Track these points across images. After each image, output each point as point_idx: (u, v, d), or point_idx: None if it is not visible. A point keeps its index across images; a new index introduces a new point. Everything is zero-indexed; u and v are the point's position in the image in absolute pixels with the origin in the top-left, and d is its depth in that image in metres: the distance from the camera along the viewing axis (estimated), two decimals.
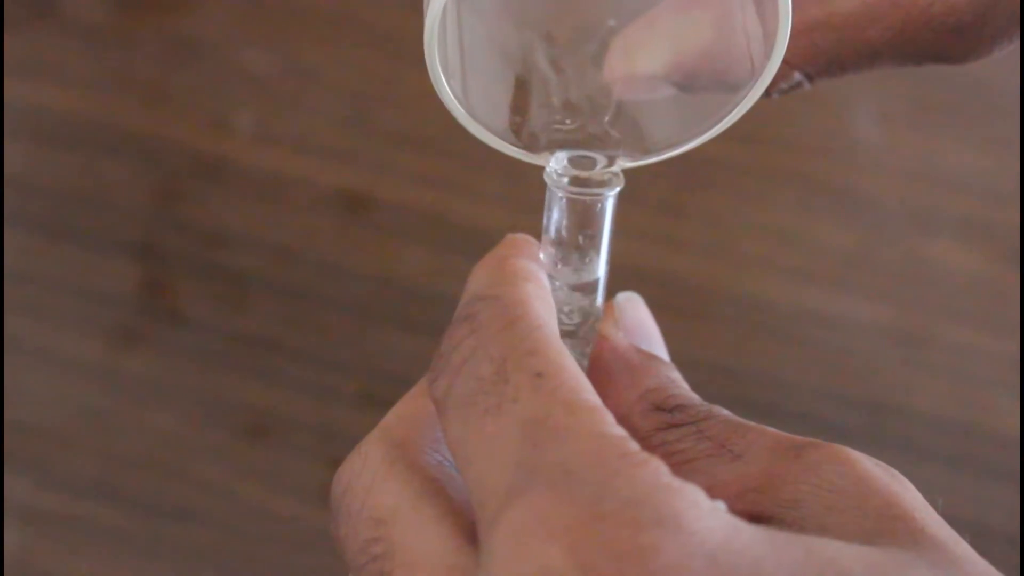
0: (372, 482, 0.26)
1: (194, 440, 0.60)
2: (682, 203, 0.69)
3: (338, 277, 0.67)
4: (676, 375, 0.29)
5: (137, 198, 0.72)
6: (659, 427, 0.27)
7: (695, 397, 0.28)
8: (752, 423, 0.27)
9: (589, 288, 0.30)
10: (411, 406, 0.28)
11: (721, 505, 0.21)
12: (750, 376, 0.63)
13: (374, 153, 0.75)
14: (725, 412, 0.27)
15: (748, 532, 0.21)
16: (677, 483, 0.21)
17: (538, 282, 0.26)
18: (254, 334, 0.64)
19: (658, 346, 0.30)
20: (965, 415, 0.61)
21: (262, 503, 0.58)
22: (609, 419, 0.23)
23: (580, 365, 0.29)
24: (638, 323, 0.30)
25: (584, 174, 0.29)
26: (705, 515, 0.21)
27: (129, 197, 0.72)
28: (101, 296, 0.66)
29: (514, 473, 0.22)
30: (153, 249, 0.69)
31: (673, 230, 0.70)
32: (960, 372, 0.63)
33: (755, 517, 0.25)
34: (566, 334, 0.29)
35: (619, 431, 0.22)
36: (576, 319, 0.29)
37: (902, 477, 0.25)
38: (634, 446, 0.22)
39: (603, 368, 0.29)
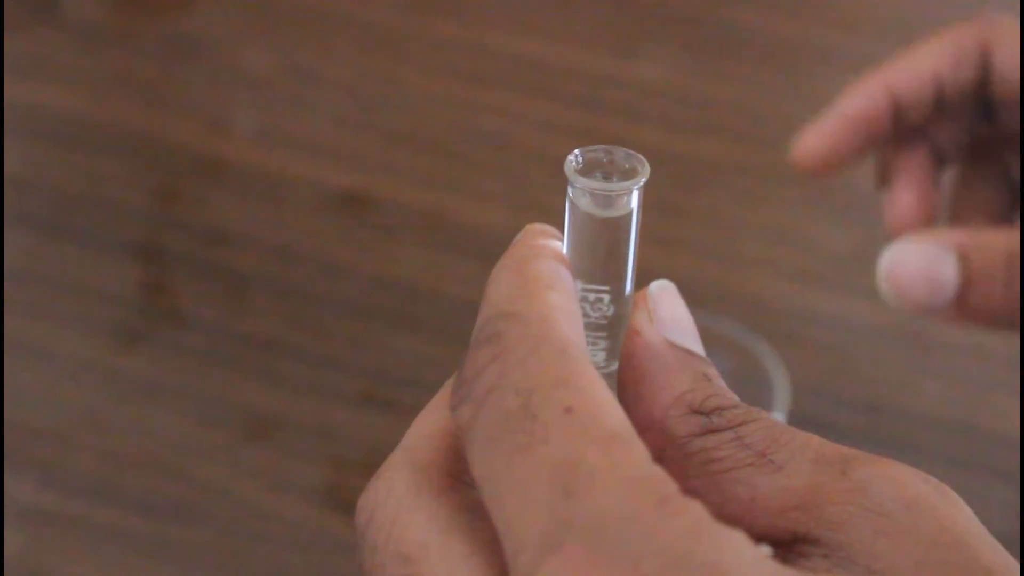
0: (397, 514, 0.25)
1: (194, 440, 0.60)
2: (682, 203, 0.69)
3: (338, 277, 0.67)
4: (713, 371, 0.27)
5: (137, 198, 0.72)
6: (697, 432, 0.26)
7: (734, 397, 0.27)
8: (794, 429, 0.26)
9: (619, 272, 0.28)
10: (434, 423, 0.26)
11: (765, 550, 0.21)
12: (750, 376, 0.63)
13: (374, 153, 0.75)
14: (765, 416, 0.26)
15: None
16: (718, 532, 0.20)
17: (562, 288, 0.25)
18: (254, 334, 0.64)
19: (693, 340, 0.28)
20: (965, 415, 0.61)
21: (262, 503, 0.58)
22: (644, 457, 0.22)
23: (609, 362, 0.28)
24: (673, 315, 0.28)
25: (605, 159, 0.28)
26: (749, 569, 0.20)
27: (129, 197, 0.72)
28: (101, 296, 0.66)
29: (547, 523, 0.21)
30: (153, 249, 0.69)
31: (673, 230, 0.70)
32: (960, 372, 0.63)
33: (799, 537, 0.24)
34: (594, 327, 0.28)
35: (655, 471, 0.22)
36: (603, 311, 0.28)
37: (953, 495, 0.24)
38: (671, 488, 0.21)
39: (635, 366, 0.27)
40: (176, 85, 0.79)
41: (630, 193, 0.27)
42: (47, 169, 0.74)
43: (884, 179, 0.51)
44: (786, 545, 0.24)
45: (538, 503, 0.21)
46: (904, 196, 0.48)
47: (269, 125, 0.77)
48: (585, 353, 0.24)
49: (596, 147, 0.28)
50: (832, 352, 0.63)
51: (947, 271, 0.39)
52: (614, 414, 0.22)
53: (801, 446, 0.25)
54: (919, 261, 0.38)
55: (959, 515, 0.23)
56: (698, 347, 0.28)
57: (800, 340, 0.64)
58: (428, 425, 0.26)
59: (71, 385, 0.62)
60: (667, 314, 0.28)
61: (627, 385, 0.27)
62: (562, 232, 0.28)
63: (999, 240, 0.39)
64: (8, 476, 0.58)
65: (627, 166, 0.27)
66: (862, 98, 0.49)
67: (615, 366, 0.28)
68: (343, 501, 0.57)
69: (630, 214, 0.27)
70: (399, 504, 0.25)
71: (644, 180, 0.27)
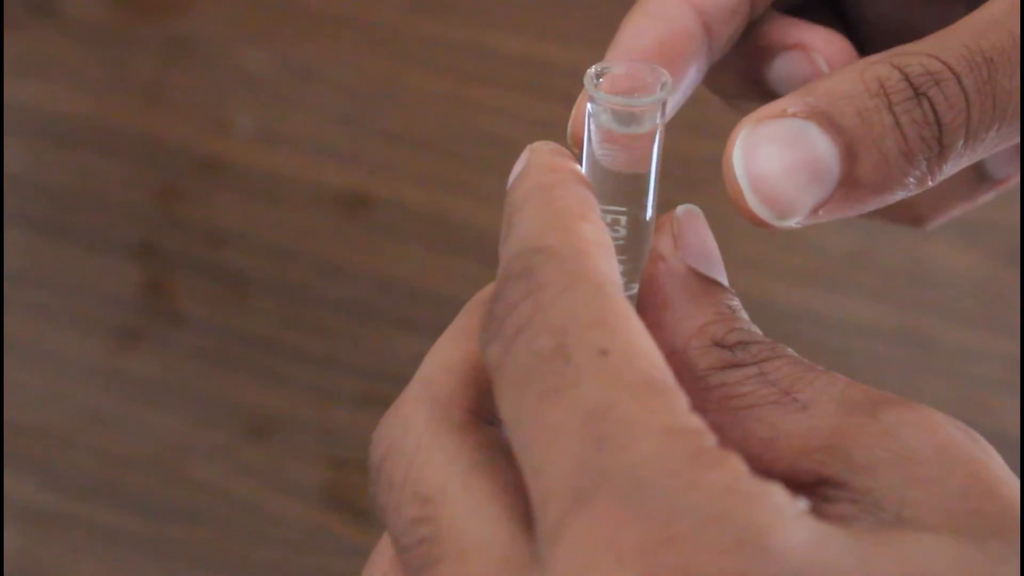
0: (416, 451, 0.23)
1: (194, 440, 0.60)
2: (682, 202, 0.69)
3: (338, 277, 0.67)
4: (737, 304, 0.26)
5: (137, 198, 0.72)
6: (718, 366, 0.25)
7: (758, 332, 0.26)
8: (819, 368, 0.25)
9: (639, 193, 0.26)
10: (452, 354, 0.25)
11: (803, 505, 0.20)
12: None
13: (374, 153, 0.75)
14: (790, 352, 0.25)
15: (834, 542, 0.19)
16: (756, 487, 0.19)
17: (595, 219, 0.24)
18: (254, 334, 0.64)
19: (719, 270, 0.27)
20: (965, 415, 0.61)
21: (262, 503, 0.58)
22: (681, 406, 0.21)
23: (628, 288, 0.27)
24: (699, 242, 0.27)
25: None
26: (789, 527, 0.19)
27: (129, 197, 0.72)
28: (101, 296, 0.66)
29: (578, 474, 0.20)
30: (153, 249, 0.69)
31: None
32: (960, 372, 0.63)
33: (823, 480, 0.23)
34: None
35: (692, 422, 0.20)
36: (619, 233, 0.26)
37: (985, 442, 0.23)
38: (708, 441, 0.20)
39: (657, 292, 0.26)
40: (176, 85, 0.79)
41: (655, 109, 0.26)
42: (47, 169, 0.74)
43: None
44: (809, 487, 0.23)
45: (569, 452, 0.20)
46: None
47: (269, 125, 0.77)
48: (621, 290, 0.23)
49: (615, 62, 0.26)
50: (832, 352, 0.63)
51: (818, 145, 0.26)
52: (651, 358, 0.21)
53: (827, 385, 0.24)
54: (782, 148, 0.26)
55: (992, 463, 0.23)
56: (723, 277, 0.27)
57: (800, 340, 0.64)
58: (446, 356, 0.25)
59: (71, 385, 0.62)
60: (693, 241, 0.27)
61: (646, 312, 0.26)
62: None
63: (849, 79, 0.26)
64: (8, 476, 0.58)
65: (649, 80, 0.26)
66: (659, 23, 0.31)
67: (633, 291, 0.27)
68: (343, 501, 0.57)
69: (654, 131, 0.26)
70: (418, 441, 0.23)
71: (668, 95, 0.26)
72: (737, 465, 0.20)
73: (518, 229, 0.24)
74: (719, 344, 0.25)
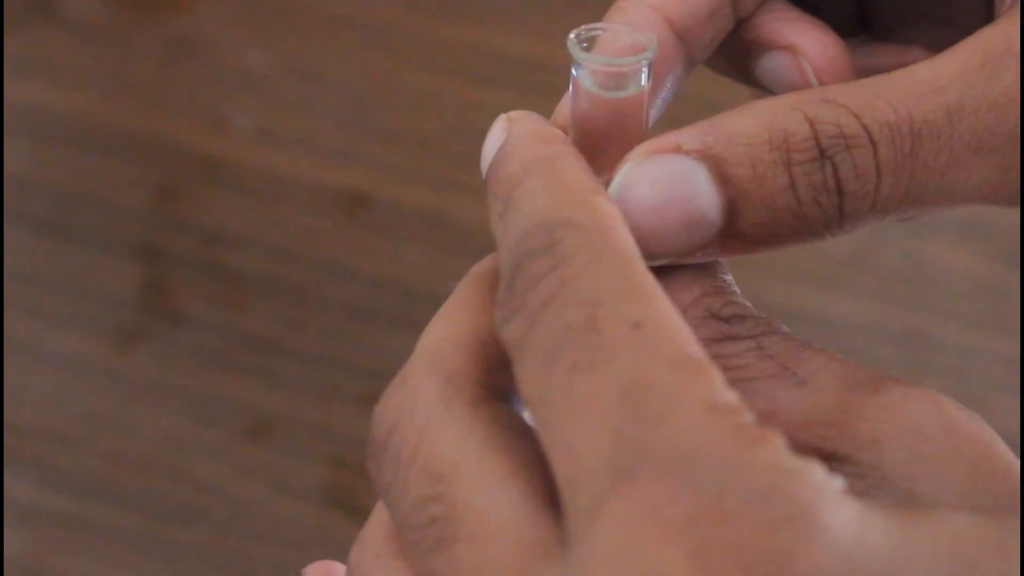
0: (427, 425, 0.22)
1: (194, 440, 0.60)
2: None
3: (338, 277, 0.67)
4: (730, 279, 0.25)
5: (137, 198, 0.72)
6: (715, 337, 0.24)
7: (751, 307, 0.25)
8: (816, 346, 0.24)
9: None
10: (461, 324, 0.24)
11: (840, 483, 0.19)
12: None
13: (374, 153, 0.75)
14: (784, 328, 0.24)
15: (878, 523, 0.19)
16: (799, 464, 0.19)
17: (605, 193, 0.23)
18: (254, 334, 0.64)
19: None
20: None
21: (262, 503, 0.58)
22: (719, 380, 0.20)
23: None
24: None
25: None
26: (833, 505, 0.18)
27: (129, 197, 0.72)
28: (101, 296, 0.66)
29: (616, 449, 0.19)
30: (153, 249, 0.69)
31: None
32: (960, 372, 0.63)
33: (825, 454, 0.22)
34: None
35: (732, 398, 0.20)
36: None
37: (989, 427, 0.22)
38: (748, 417, 0.19)
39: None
40: (176, 85, 0.79)
41: (639, 71, 0.25)
42: (47, 169, 0.74)
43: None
44: None
45: (605, 427, 0.19)
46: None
47: (269, 125, 0.77)
48: (646, 265, 0.22)
49: (597, 24, 0.26)
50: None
51: (702, 192, 0.24)
52: (684, 332, 0.20)
53: (826, 362, 0.23)
54: (659, 191, 0.24)
55: (999, 444, 0.22)
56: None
57: None
58: (453, 329, 0.24)
59: (71, 385, 0.62)
60: None
61: None
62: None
63: (757, 125, 0.24)
64: (8, 476, 0.58)
65: (632, 41, 0.25)
66: (626, 36, 0.30)
67: None
68: (343, 501, 0.57)
69: (641, 94, 0.25)
70: (428, 415, 0.22)
71: (653, 55, 0.25)
72: (779, 442, 0.19)
73: (528, 203, 0.23)
74: (715, 316, 0.24)
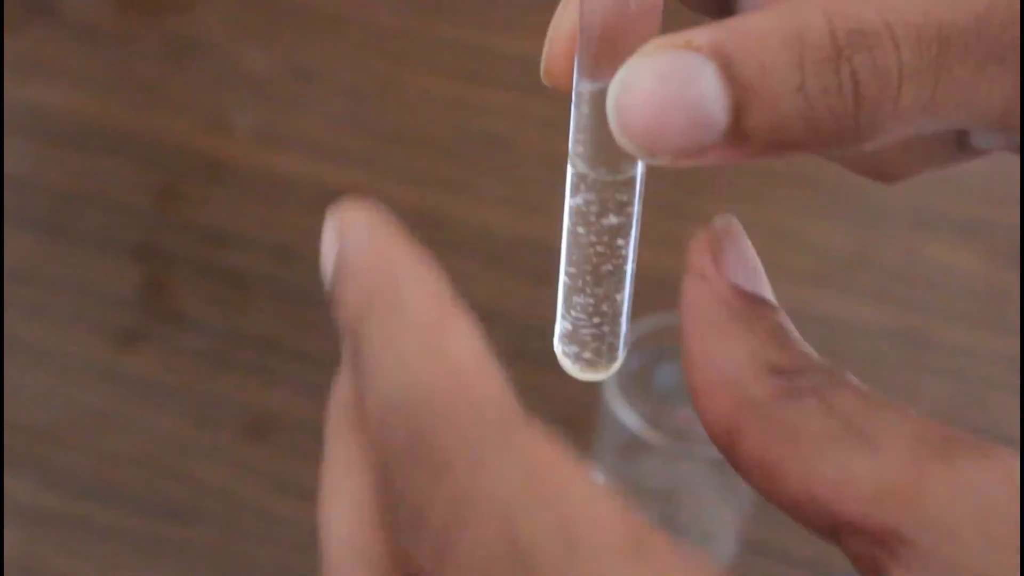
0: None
1: (194, 440, 0.60)
2: (682, 203, 0.69)
3: None
4: (788, 322, 0.24)
5: (137, 198, 0.72)
6: (778, 394, 0.22)
7: (814, 354, 0.23)
8: (884, 398, 0.22)
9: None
10: (362, 503, 0.21)
11: None
12: None
13: (374, 153, 0.75)
14: (854, 379, 0.22)
15: None
16: None
17: (464, 323, 0.21)
18: (254, 334, 0.64)
19: (763, 284, 0.24)
20: (965, 415, 0.61)
21: (262, 503, 0.58)
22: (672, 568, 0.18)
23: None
24: (740, 257, 0.24)
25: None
26: None
27: (129, 197, 0.72)
28: (101, 296, 0.66)
29: None
30: (153, 249, 0.69)
31: (673, 230, 0.70)
32: (960, 372, 0.63)
33: (893, 535, 0.20)
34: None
35: None
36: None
37: None
38: None
39: (702, 318, 0.23)
40: (176, 85, 0.79)
41: None
42: (47, 169, 0.74)
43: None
44: (878, 537, 0.21)
45: None
46: None
47: (269, 125, 0.77)
48: (532, 425, 0.19)
49: None
50: (832, 352, 0.63)
51: (708, 90, 0.22)
52: (614, 517, 0.18)
53: (897, 421, 0.21)
54: (663, 84, 0.22)
55: None
56: (769, 293, 0.24)
57: None
58: (362, 508, 0.21)
59: (71, 385, 0.62)
60: (735, 257, 0.24)
61: (693, 339, 0.23)
62: None
63: (772, 22, 0.22)
64: (8, 476, 0.58)
65: None
66: None
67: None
68: None
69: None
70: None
71: None
72: None
73: (374, 367, 0.20)
74: (775, 370, 0.23)
